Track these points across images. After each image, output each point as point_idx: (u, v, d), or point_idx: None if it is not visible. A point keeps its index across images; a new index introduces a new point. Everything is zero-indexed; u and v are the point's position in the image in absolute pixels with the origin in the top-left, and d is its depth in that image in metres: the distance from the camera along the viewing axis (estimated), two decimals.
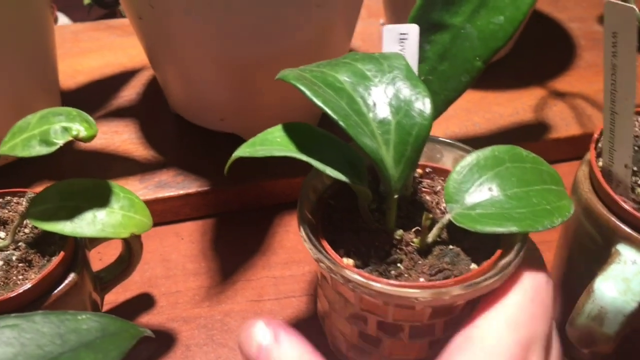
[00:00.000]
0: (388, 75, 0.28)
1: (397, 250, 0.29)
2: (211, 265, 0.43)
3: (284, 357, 0.25)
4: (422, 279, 0.28)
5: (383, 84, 0.28)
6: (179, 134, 0.50)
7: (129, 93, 0.55)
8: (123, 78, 0.57)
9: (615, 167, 0.31)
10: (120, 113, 0.53)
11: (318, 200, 0.31)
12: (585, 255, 0.32)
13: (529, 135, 0.51)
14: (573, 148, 0.51)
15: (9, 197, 0.35)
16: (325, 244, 0.28)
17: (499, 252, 0.28)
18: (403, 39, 0.31)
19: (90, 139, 0.31)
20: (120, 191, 0.33)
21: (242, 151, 0.26)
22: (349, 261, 0.28)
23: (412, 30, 0.31)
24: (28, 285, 0.30)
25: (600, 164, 0.32)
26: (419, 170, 0.34)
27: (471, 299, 0.27)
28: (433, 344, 0.29)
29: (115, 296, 0.40)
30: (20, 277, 0.31)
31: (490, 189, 0.28)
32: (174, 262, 0.43)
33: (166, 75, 0.48)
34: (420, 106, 0.28)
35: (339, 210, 0.31)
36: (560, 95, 0.55)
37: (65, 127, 0.30)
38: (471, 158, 0.29)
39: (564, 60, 0.59)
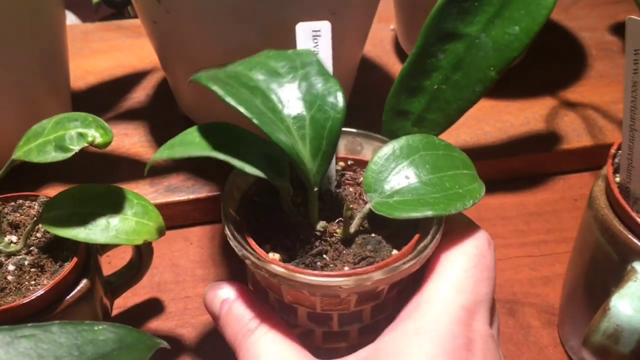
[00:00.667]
0: (301, 71, 0.29)
1: (322, 242, 0.30)
2: (220, 271, 0.43)
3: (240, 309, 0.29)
4: (347, 268, 0.28)
5: (296, 80, 0.29)
6: None
7: (139, 95, 0.55)
8: (133, 79, 0.56)
9: (633, 184, 0.31)
10: (130, 115, 0.52)
11: (242, 198, 0.32)
12: (600, 272, 0.32)
13: (539, 145, 0.51)
14: (584, 159, 0.51)
15: (20, 201, 0.35)
16: (250, 240, 0.28)
17: (417, 236, 0.29)
18: (316, 36, 0.32)
19: (105, 145, 0.30)
20: (133, 197, 0.33)
21: (161, 153, 0.27)
22: (275, 256, 0.28)
23: (325, 27, 0.31)
24: (41, 292, 0.30)
25: (617, 179, 0.32)
26: (341, 163, 0.34)
27: (396, 283, 0.28)
28: (363, 330, 0.30)
29: (124, 300, 0.40)
30: (33, 282, 0.31)
31: (407, 177, 0.29)
32: (183, 267, 0.43)
33: (178, 78, 0.47)
34: (333, 100, 0.28)
35: (263, 207, 0.32)
36: (571, 105, 0.54)
37: (81, 133, 0.30)
38: (387, 148, 0.30)
39: (575, 70, 0.59)
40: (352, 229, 0.30)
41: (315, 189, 0.29)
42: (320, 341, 0.30)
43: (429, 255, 0.28)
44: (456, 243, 0.29)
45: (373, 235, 0.30)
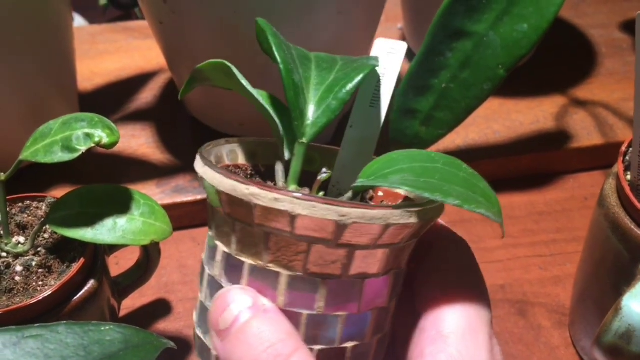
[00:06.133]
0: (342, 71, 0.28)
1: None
2: None
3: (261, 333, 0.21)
4: None
5: (340, 72, 0.28)
6: (196, 138, 0.50)
7: (146, 96, 0.55)
8: (140, 81, 0.56)
9: None
10: (137, 116, 0.52)
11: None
12: (611, 271, 0.32)
13: (549, 144, 0.50)
14: (594, 158, 0.50)
15: (28, 202, 0.35)
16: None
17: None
18: (391, 53, 0.31)
19: (112, 145, 0.30)
20: (140, 198, 0.33)
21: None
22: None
23: (400, 48, 0.31)
24: (48, 292, 0.30)
25: (629, 178, 0.32)
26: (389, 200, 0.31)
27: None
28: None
29: (132, 301, 0.40)
30: (40, 283, 0.31)
31: (404, 171, 0.24)
32: (191, 268, 0.43)
33: (184, 79, 0.47)
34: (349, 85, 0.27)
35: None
36: (581, 103, 0.54)
37: (88, 133, 0.30)
38: (403, 151, 0.25)
39: (585, 67, 0.58)
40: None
41: (303, 140, 0.25)
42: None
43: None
44: (442, 258, 0.26)
45: None
